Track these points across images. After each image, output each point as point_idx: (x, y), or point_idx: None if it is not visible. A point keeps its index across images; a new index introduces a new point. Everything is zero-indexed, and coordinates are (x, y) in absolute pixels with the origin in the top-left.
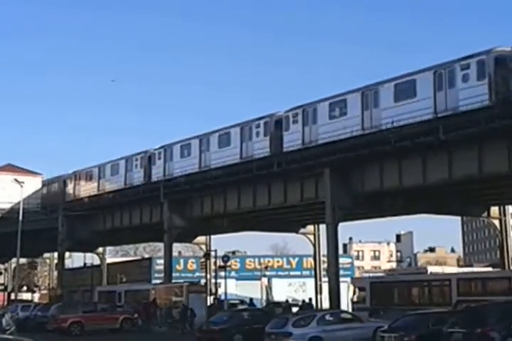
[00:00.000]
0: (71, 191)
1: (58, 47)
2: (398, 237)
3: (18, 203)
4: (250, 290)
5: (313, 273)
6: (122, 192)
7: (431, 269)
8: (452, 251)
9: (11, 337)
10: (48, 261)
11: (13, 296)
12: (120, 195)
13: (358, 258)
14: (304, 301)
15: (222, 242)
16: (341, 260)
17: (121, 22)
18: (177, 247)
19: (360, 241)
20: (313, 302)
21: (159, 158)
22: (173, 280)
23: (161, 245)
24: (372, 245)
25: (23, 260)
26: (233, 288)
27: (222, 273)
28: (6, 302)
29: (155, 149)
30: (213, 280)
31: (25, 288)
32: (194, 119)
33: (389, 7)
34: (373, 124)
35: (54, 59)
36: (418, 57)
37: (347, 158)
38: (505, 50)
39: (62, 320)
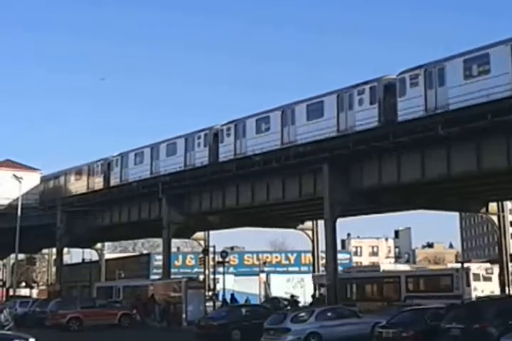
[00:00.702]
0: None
1: (58, 42)
2: (396, 233)
3: (17, 199)
4: (248, 286)
5: (311, 268)
6: (121, 187)
7: (383, 267)
8: (450, 246)
9: (9, 332)
10: (46, 256)
11: (11, 292)
12: (119, 191)
13: (356, 254)
14: (292, 296)
15: (220, 238)
16: (339, 256)
17: (120, 17)
18: (176, 243)
19: (358, 237)
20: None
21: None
22: (172, 276)
23: (159, 241)
24: (370, 241)
25: (21, 256)
26: (231, 284)
27: (221, 269)
28: (4, 298)
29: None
30: (212, 276)
31: (23, 283)
32: (197, 114)
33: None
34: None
35: (53, 54)
36: (421, 50)
37: (345, 153)
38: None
39: (60, 315)
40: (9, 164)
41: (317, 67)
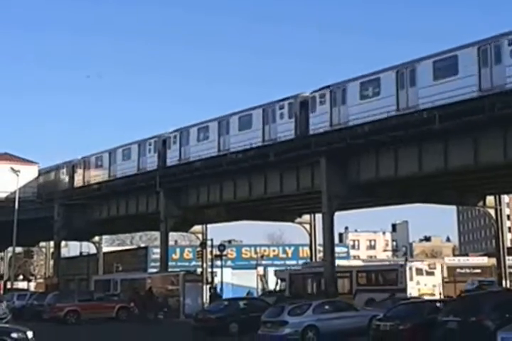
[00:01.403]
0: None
1: (56, 38)
2: (394, 227)
3: (14, 192)
4: (246, 279)
5: (309, 262)
6: (119, 181)
7: (337, 262)
8: (448, 240)
9: (7, 325)
10: (44, 249)
11: (9, 285)
12: (116, 184)
13: (353, 247)
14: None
15: (218, 231)
16: (337, 249)
17: (120, 13)
18: (173, 236)
19: (356, 231)
20: None
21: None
22: (169, 270)
23: (157, 234)
24: (368, 234)
25: (19, 249)
26: (229, 277)
27: (219, 262)
28: (2, 291)
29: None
30: (209, 269)
31: (21, 276)
32: (195, 108)
33: None
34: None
35: (52, 50)
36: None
37: (343, 147)
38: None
39: (58, 308)
40: (7, 157)
41: (318, 63)
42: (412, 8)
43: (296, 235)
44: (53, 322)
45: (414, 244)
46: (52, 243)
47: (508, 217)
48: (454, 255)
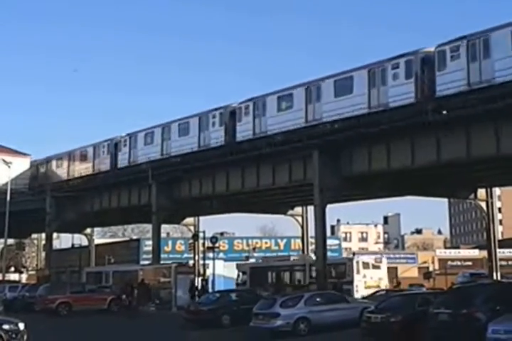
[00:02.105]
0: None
1: (50, 29)
2: (386, 219)
3: (6, 184)
4: None
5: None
6: (111, 173)
7: (293, 257)
8: (439, 232)
9: None
10: (35, 241)
11: (0, 277)
12: (108, 177)
13: (345, 239)
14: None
15: (210, 223)
16: (329, 241)
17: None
18: (165, 228)
19: (347, 223)
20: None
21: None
22: (162, 262)
23: (149, 226)
24: (359, 227)
25: (10, 241)
26: (221, 269)
27: (211, 255)
28: None
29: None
30: (201, 262)
31: (12, 268)
32: (192, 99)
33: None
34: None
35: (44, 42)
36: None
37: (335, 140)
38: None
39: (50, 300)
40: None
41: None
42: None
43: (288, 227)
44: (45, 314)
45: (406, 236)
46: (44, 235)
47: (499, 209)
48: (446, 247)
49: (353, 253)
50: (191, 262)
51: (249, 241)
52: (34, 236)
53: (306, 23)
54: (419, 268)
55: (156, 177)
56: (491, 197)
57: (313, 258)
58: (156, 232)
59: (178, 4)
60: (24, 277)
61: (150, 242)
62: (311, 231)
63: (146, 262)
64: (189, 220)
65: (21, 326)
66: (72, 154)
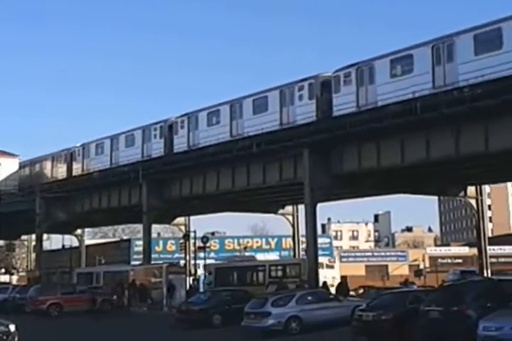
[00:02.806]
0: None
1: (44, 30)
2: (376, 217)
3: None
4: None
5: (292, 253)
6: (100, 173)
7: (258, 257)
8: (429, 230)
9: None
10: (25, 243)
11: None
12: (98, 177)
13: (336, 238)
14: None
15: (201, 223)
16: (320, 240)
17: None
18: (156, 228)
19: (338, 222)
20: None
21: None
22: (152, 262)
23: (140, 226)
24: (350, 225)
25: (0, 242)
26: None
27: (202, 254)
28: None
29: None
30: (193, 261)
31: (3, 270)
32: (181, 100)
33: None
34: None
35: (37, 41)
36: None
37: (326, 138)
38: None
39: (40, 301)
40: None
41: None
42: None
43: (279, 226)
44: (36, 315)
45: (396, 234)
46: (34, 236)
47: (489, 207)
48: (436, 245)
49: (306, 253)
50: (182, 262)
51: (240, 241)
52: (24, 237)
53: (305, 21)
54: (410, 265)
55: (147, 177)
56: (481, 195)
57: (276, 258)
58: (147, 232)
59: (177, 3)
60: (14, 278)
61: (141, 242)
62: (302, 230)
63: (137, 262)
64: (180, 220)
65: (12, 327)
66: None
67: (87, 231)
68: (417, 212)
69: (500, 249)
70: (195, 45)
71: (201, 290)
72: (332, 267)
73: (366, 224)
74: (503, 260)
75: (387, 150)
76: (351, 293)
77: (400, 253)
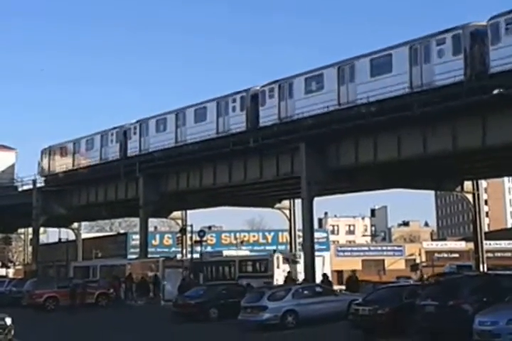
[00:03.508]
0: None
1: (38, 26)
2: (373, 212)
3: None
4: None
5: (288, 247)
6: (98, 167)
7: (225, 253)
8: (426, 225)
9: None
10: (22, 236)
11: None
12: (95, 171)
13: (333, 232)
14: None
15: (198, 217)
16: (316, 234)
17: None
18: (153, 222)
19: (335, 216)
20: None
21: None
22: (149, 256)
23: (136, 220)
24: (347, 220)
25: None
26: None
27: (198, 248)
28: None
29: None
30: (189, 255)
31: None
32: (170, 95)
33: None
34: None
35: (31, 36)
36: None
37: (322, 133)
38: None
39: (37, 295)
40: None
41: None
42: None
43: (275, 221)
44: (32, 309)
45: (393, 228)
46: (30, 229)
47: (486, 202)
48: (432, 239)
49: (274, 251)
50: (179, 256)
51: (237, 235)
52: (21, 230)
53: (306, 19)
54: (406, 260)
55: (144, 170)
56: (477, 190)
57: (247, 253)
58: (144, 226)
59: (179, 1)
60: (11, 272)
61: (137, 236)
62: (299, 224)
63: (134, 256)
64: (176, 214)
65: (8, 321)
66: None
67: (84, 225)
68: (413, 207)
69: (497, 243)
70: (197, 42)
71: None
72: (297, 262)
73: (363, 218)
74: (499, 255)
75: (383, 144)
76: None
77: (396, 248)
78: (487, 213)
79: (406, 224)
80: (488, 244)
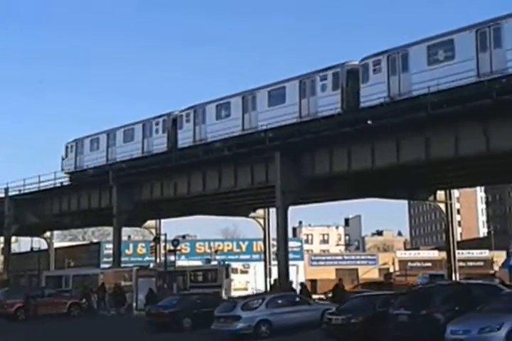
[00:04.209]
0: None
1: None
2: (347, 221)
3: None
4: None
5: (262, 256)
6: (71, 175)
7: (178, 263)
8: (399, 234)
9: None
10: None
11: None
12: (69, 179)
13: (307, 241)
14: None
15: (172, 226)
16: (291, 243)
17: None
18: (126, 231)
19: (309, 225)
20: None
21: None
22: (123, 265)
23: (110, 229)
24: (321, 229)
25: None
26: None
27: (172, 257)
28: None
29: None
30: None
31: None
32: (144, 102)
33: None
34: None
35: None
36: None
37: (297, 142)
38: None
39: (8, 305)
40: None
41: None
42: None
43: (250, 230)
44: (3, 319)
45: (367, 238)
46: (2, 238)
47: (458, 211)
48: (406, 249)
49: (223, 261)
50: (153, 265)
51: (212, 244)
52: None
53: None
54: (380, 269)
55: (117, 179)
56: (450, 199)
57: (199, 263)
58: (117, 235)
59: (177, 10)
60: None
61: (111, 245)
62: (273, 233)
63: (107, 266)
64: (150, 223)
65: None
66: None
67: (57, 234)
68: (387, 216)
69: (469, 252)
70: (191, 50)
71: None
72: (246, 272)
73: (337, 227)
74: (471, 264)
75: (357, 154)
76: (322, 296)
77: (370, 257)
78: (459, 222)
79: (380, 233)
80: (461, 253)
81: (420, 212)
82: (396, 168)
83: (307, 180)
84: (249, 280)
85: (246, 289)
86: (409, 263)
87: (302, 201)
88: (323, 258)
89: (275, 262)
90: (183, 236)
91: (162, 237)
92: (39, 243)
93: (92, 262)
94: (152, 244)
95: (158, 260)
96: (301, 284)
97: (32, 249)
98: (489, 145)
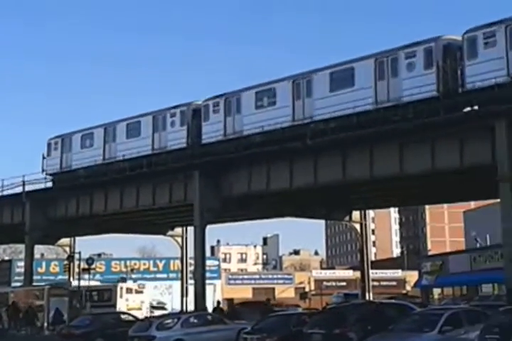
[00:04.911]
0: None
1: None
2: (265, 240)
3: None
4: None
5: (179, 275)
6: None
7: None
8: (316, 253)
9: None
10: None
11: None
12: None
13: (225, 260)
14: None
15: (87, 244)
16: (208, 262)
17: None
18: (40, 249)
19: (227, 244)
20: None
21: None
22: (35, 283)
23: (22, 247)
24: (239, 248)
25: None
26: None
27: (87, 276)
28: None
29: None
30: (76, 283)
31: None
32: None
33: None
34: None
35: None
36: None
37: (216, 161)
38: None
39: None
40: None
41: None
42: None
43: (168, 248)
44: None
45: (284, 257)
46: None
47: (373, 231)
48: (322, 268)
49: (119, 280)
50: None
51: (128, 263)
52: None
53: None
54: (296, 288)
55: (31, 195)
56: (365, 219)
57: (97, 283)
58: (29, 253)
59: (175, 4)
60: None
61: (22, 263)
62: (191, 251)
63: (19, 284)
64: (65, 241)
65: None
66: None
67: None
68: (305, 236)
69: (382, 272)
70: (191, 44)
71: None
72: (141, 292)
73: (255, 246)
74: (384, 283)
75: (276, 173)
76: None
77: (286, 276)
78: (374, 242)
79: (297, 252)
80: (375, 273)
81: (336, 231)
82: (313, 188)
83: (226, 198)
84: (143, 299)
85: (140, 309)
86: (325, 283)
87: (221, 220)
88: (240, 277)
89: (192, 281)
90: (99, 255)
91: (76, 255)
92: None
93: (3, 280)
94: (66, 262)
95: (71, 279)
96: (217, 302)
97: None
98: (403, 168)
